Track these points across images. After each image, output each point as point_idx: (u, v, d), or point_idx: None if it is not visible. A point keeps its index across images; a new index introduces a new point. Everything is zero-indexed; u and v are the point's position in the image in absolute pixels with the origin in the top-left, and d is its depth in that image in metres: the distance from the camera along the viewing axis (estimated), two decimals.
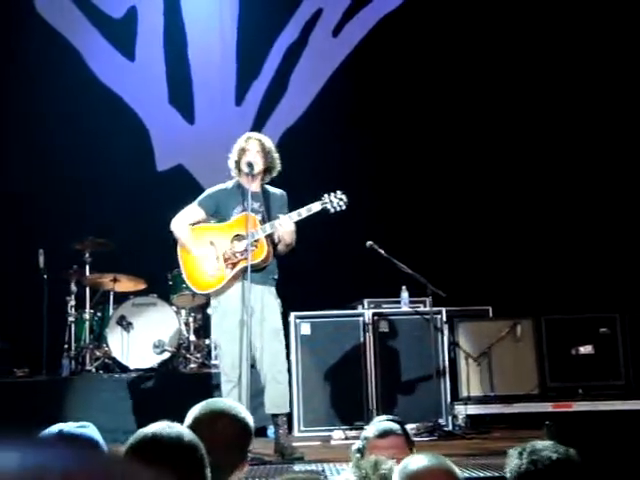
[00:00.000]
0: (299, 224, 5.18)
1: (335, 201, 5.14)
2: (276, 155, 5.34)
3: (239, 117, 8.62)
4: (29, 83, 8.25)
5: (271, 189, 5.40)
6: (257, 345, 5.16)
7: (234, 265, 5.15)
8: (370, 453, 2.70)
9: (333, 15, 8.86)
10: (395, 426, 2.92)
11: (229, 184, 5.40)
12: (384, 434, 2.85)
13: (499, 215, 8.31)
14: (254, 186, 5.24)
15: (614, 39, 8.34)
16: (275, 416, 5.27)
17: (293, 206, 5.30)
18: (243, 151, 5.28)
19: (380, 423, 2.94)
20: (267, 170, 5.32)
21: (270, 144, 5.35)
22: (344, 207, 5.16)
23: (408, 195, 8.38)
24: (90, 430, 2.14)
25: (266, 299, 5.21)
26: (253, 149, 5.26)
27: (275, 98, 8.82)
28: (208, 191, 5.46)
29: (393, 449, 2.79)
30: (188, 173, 8.56)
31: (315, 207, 5.14)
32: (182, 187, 7.50)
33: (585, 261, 8.02)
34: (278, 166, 5.34)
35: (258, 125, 8.23)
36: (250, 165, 5.20)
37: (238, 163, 5.29)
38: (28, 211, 8.13)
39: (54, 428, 2.10)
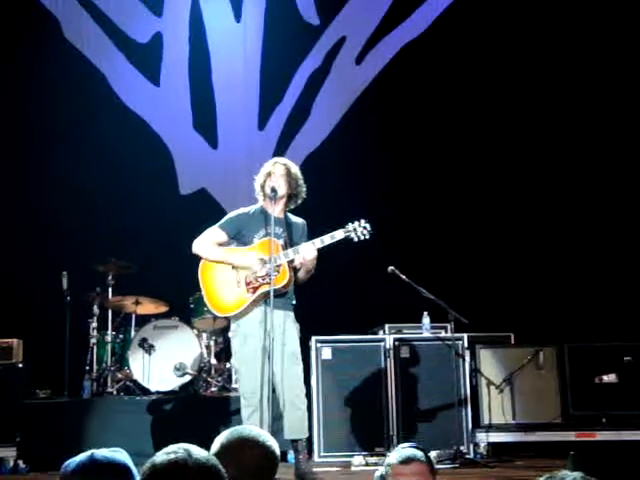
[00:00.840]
0: (321, 250, 5.17)
1: (359, 230, 5.13)
2: (301, 182, 5.33)
3: (262, 142, 8.68)
4: (55, 106, 8.35)
5: (293, 217, 5.41)
6: (277, 370, 5.14)
7: (255, 289, 5.15)
8: (393, 479, 2.68)
9: (356, 43, 8.93)
10: (419, 453, 2.89)
11: (252, 208, 5.41)
12: (408, 460, 2.81)
13: (523, 242, 8.28)
14: (277, 211, 5.26)
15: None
16: (295, 441, 5.24)
17: (312, 231, 5.30)
18: (269, 175, 5.29)
19: (403, 450, 2.91)
20: (291, 196, 5.33)
21: (296, 170, 5.36)
22: (368, 236, 5.14)
23: (431, 221, 8.38)
24: (122, 456, 2.12)
25: (287, 324, 5.21)
26: (278, 173, 5.28)
27: (297, 124, 8.88)
28: (230, 215, 5.47)
29: (416, 476, 2.77)
30: (211, 197, 8.63)
31: (338, 235, 5.13)
32: (205, 211, 7.56)
33: (609, 288, 7.95)
34: (303, 193, 5.34)
35: (280, 150, 8.28)
36: (273, 190, 5.21)
37: (263, 187, 5.31)
38: (52, 233, 8.20)
39: (86, 453, 2.09)
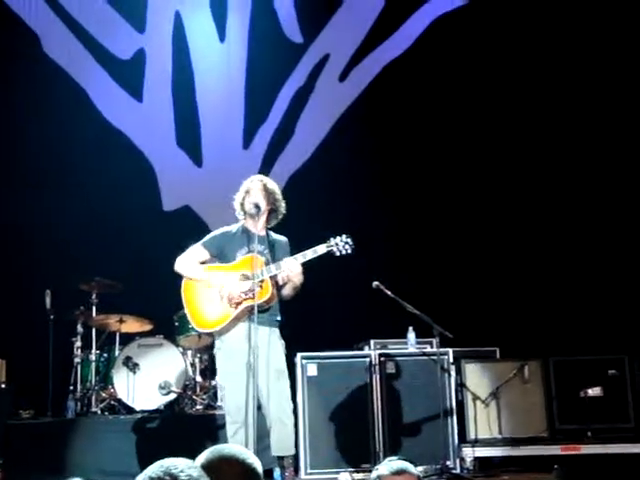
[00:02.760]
0: (305, 265, 5.18)
1: (341, 244, 5.15)
2: (279, 197, 5.35)
3: (246, 160, 8.69)
4: (36, 122, 8.32)
5: (275, 235, 5.42)
6: (262, 387, 5.13)
7: (238, 304, 5.15)
8: None
9: (340, 60, 8.98)
10: (410, 465, 2.91)
11: (234, 227, 5.42)
12: (400, 472, 2.82)
13: (507, 256, 8.31)
14: (259, 228, 5.27)
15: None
16: (281, 458, 5.23)
17: (298, 249, 5.29)
18: (247, 192, 5.32)
19: (394, 462, 2.93)
20: (271, 212, 5.34)
21: (273, 185, 5.38)
22: (350, 251, 5.16)
23: (415, 236, 8.41)
24: None
25: (272, 340, 5.19)
26: (255, 188, 5.30)
27: (282, 142, 8.90)
28: (213, 233, 5.48)
29: None
30: (195, 214, 8.61)
31: (320, 250, 5.15)
32: (189, 228, 7.54)
33: (593, 302, 7.98)
34: (282, 209, 5.36)
35: (265, 168, 8.28)
36: (257, 206, 5.22)
37: (242, 205, 5.32)
38: (35, 251, 8.15)
39: None
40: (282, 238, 5.43)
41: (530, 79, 8.55)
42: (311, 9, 9.02)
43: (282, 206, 5.36)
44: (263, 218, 5.31)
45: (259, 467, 2.34)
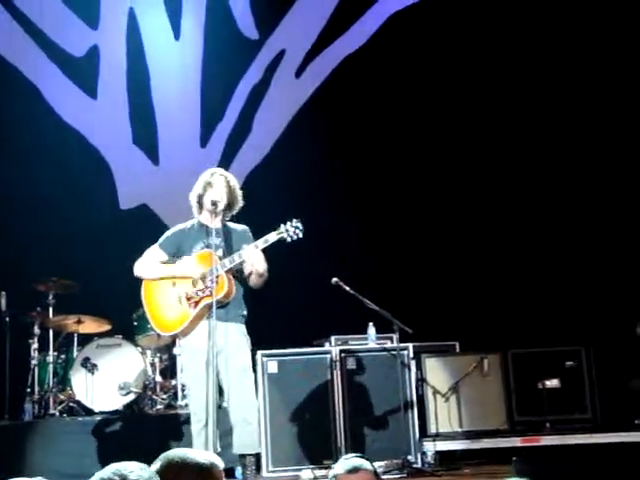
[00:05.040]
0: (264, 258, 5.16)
1: (291, 230, 5.11)
2: (239, 192, 5.34)
3: (204, 158, 8.63)
4: None
5: (232, 225, 5.39)
6: (224, 384, 5.11)
7: (196, 304, 5.13)
8: None
9: (296, 56, 8.96)
10: (365, 462, 2.91)
11: (189, 223, 5.39)
12: (354, 470, 2.83)
13: (464, 250, 8.37)
14: (215, 222, 5.23)
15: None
16: (243, 457, 5.21)
17: None
18: (209, 185, 5.26)
19: (349, 460, 2.93)
20: (228, 207, 5.31)
21: (234, 181, 5.35)
22: (300, 235, 5.12)
23: (374, 231, 8.42)
24: None
25: (231, 336, 5.14)
26: (219, 184, 5.26)
27: (240, 139, 8.87)
28: (168, 232, 5.44)
29: None
30: (152, 213, 8.54)
31: (272, 237, 5.11)
32: (146, 227, 7.49)
33: (551, 295, 8.07)
34: (240, 203, 5.34)
35: (223, 166, 8.16)
36: (214, 203, 5.19)
37: (201, 197, 5.27)
38: None
39: None
40: (240, 227, 5.39)
41: (493, 70, 8.57)
42: (266, 5, 9.00)
43: (240, 201, 5.34)
44: (220, 212, 5.27)
45: (215, 465, 2.30)
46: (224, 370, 5.08)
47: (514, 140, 8.52)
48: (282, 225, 5.13)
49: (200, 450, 2.47)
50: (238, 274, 5.21)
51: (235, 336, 5.17)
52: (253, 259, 5.07)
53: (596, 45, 8.45)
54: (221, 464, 2.30)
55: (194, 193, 5.32)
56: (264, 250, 5.13)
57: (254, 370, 5.67)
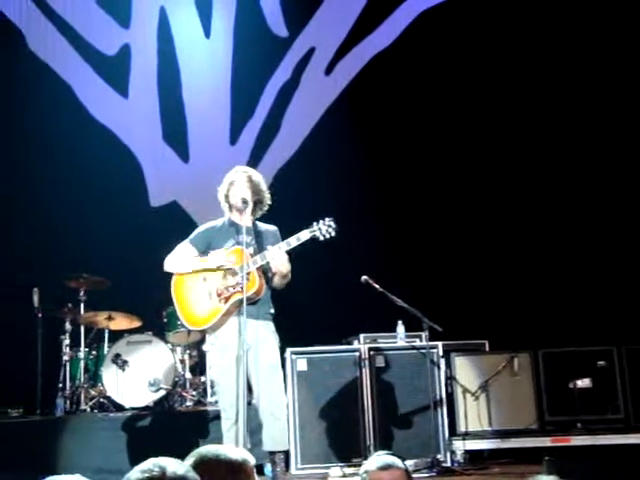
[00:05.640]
0: (292, 258, 5.14)
1: (324, 228, 5.10)
2: (264, 188, 5.33)
3: (233, 156, 8.66)
4: (22, 119, 8.29)
5: (263, 225, 5.39)
6: (254, 381, 5.11)
7: (227, 299, 5.13)
8: None
9: (325, 54, 8.96)
10: (397, 460, 2.92)
11: (220, 221, 5.40)
12: (386, 467, 2.84)
13: (496, 248, 8.32)
14: (245, 220, 5.24)
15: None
16: (272, 453, 5.20)
17: None
18: (232, 184, 5.28)
19: (381, 457, 2.95)
20: (256, 203, 5.32)
21: (258, 177, 5.35)
22: (333, 234, 5.10)
23: (404, 229, 8.40)
24: None
25: (261, 333, 5.15)
26: (241, 181, 5.27)
27: (269, 137, 8.89)
28: (199, 228, 5.45)
29: None
30: (182, 210, 8.59)
31: (304, 235, 5.10)
32: (176, 224, 7.53)
33: (582, 294, 8.01)
34: (267, 200, 5.34)
35: (252, 164, 8.24)
36: (245, 201, 5.20)
37: (227, 197, 5.29)
38: (22, 249, 8.11)
39: None
40: (271, 227, 5.39)
41: (518, 71, 8.55)
42: (296, 3, 9.03)
43: (267, 197, 5.34)
44: (249, 210, 5.28)
45: (248, 460, 2.30)
46: (253, 367, 5.09)
47: (543, 141, 8.47)
48: (315, 223, 5.11)
49: (231, 446, 2.48)
50: (263, 274, 5.22)
51: (265, 333, 5.17)
52: (277, 260, 5.07)
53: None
54: (252, 460, 2.30)
55: (221, 193, 5.34)
56: (293, 249, 5.13)
57: (283, 367, 5.68)
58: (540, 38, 8.55)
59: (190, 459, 2.23)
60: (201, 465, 2.21)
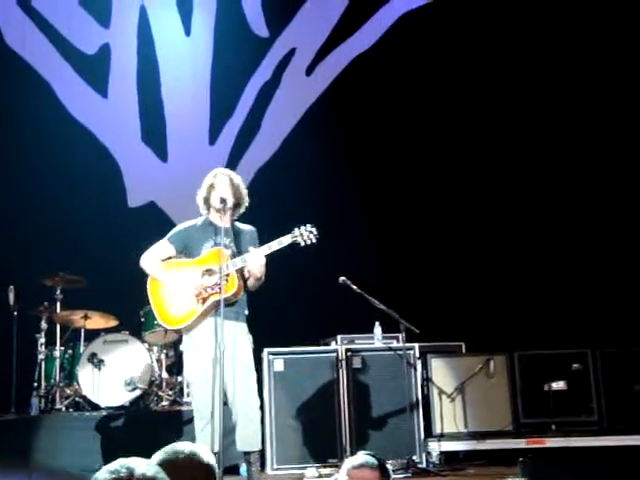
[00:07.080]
0: (270, 259, 5.15)
1: (305, 234, 5.13)
2: (244, 191, 5.33)
3: (212, 156, 8.65)
4: None
5: (241, 225, 5.39)
6: (229, 382, 5.11)
7: (204, 300, 5.12)
8: None
9: (306, 54, 8.97)
10: (372, 460, 2.98)
11: (198, 221, 5.38)
12: (359, 466, 2.92)
13: (473, 251, 8.36)
14: (224, 222, 5.24)
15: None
16: (247, 454, 5.21)
17: (267, 243, 5.28)
18: (212, 187, 5.28)
19: (360, 456, 3.01)
20: (236, 205, 5.32)
21: (238, 180, 5.35)
22: (314, 240, 5.14)
23: (382, 231, 8.42)
24: None
25: (238, 335, 5.15)
26: (223, 184, 5.27)
27: (248, 137, 8.88)
28: (178, 227, 5.44)
29: None
30: (160, 210, 8.56)
31: (285, 240, 5.12)
32: (154, 224, 7.49)
33: (558, 297, 8.06)
34: (246, 202, 5.34)
35: (231, 164, 8.24)
36: (223, 200, 5.20)
37: (207, 199, 5.29)
38: None
39: None
40: (248, 227, 5.39)
41: (501, 71, 8.58)
42: (277, 3, 9.02)
43: (246, 199, 5.34)
44: (229, 212, 5.28)
45: (213, 462, 2.31)
46: (228, 368, 5.08)
47: (524, 141, 8.51)
48: (296, 229, 5.14)
49: (205, 447, 2.48)
50: (241, 275, 5.21)
51: (240, 335, 5.17)
52: (256, 263, 5.08)
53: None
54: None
55: (200, 196, 5.33)
56: (272, 252, 5.13)
57: (260, 368, 5.68)
58: (526, 38, 8.57)
59: (160, 456, 2.23)
60: (172, 463, 2.22)
